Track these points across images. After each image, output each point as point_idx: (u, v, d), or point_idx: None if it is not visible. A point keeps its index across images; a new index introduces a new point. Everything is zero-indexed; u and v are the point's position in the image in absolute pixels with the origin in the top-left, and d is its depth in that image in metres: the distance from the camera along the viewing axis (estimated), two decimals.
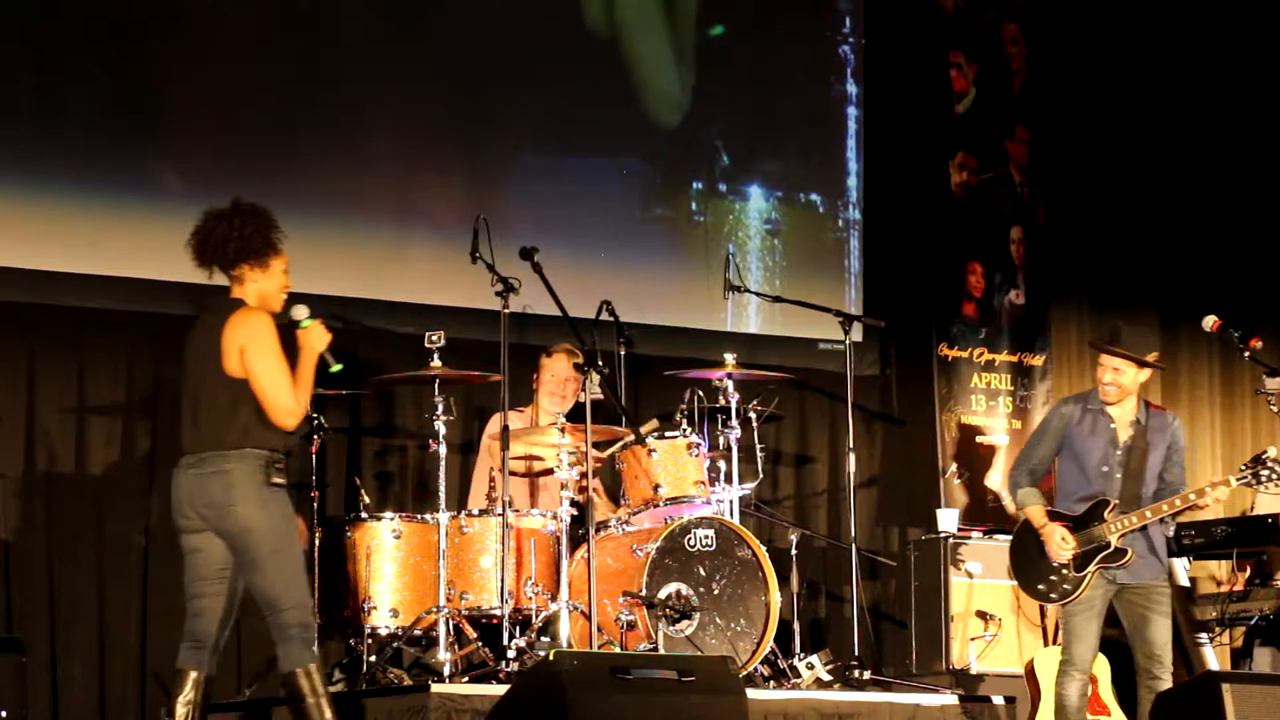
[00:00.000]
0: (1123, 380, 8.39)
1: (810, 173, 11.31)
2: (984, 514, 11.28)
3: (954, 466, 11.38)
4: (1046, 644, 9.58)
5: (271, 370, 7.08)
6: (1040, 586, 8.37)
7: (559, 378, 9.44)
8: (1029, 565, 8.43)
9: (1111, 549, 8.22)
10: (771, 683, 8.87)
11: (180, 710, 7.20)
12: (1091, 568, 8.22)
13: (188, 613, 7.30)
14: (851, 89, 11.42)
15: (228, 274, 7.29)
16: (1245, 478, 8.33)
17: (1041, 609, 9.95)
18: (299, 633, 7.06)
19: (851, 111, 11.40)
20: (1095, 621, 8.25)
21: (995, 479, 11.50)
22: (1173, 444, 8.48)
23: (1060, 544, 8.27)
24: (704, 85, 10.99)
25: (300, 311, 7.31)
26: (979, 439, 11.50)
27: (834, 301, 10.57)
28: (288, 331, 7.28)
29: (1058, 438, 8.51)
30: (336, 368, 7.34)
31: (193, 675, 7.25)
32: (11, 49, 9.40)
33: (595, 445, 8.86)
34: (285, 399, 7.06)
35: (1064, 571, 8.28)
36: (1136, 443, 8.38)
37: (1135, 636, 8.27)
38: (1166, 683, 8.17)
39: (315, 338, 7.26)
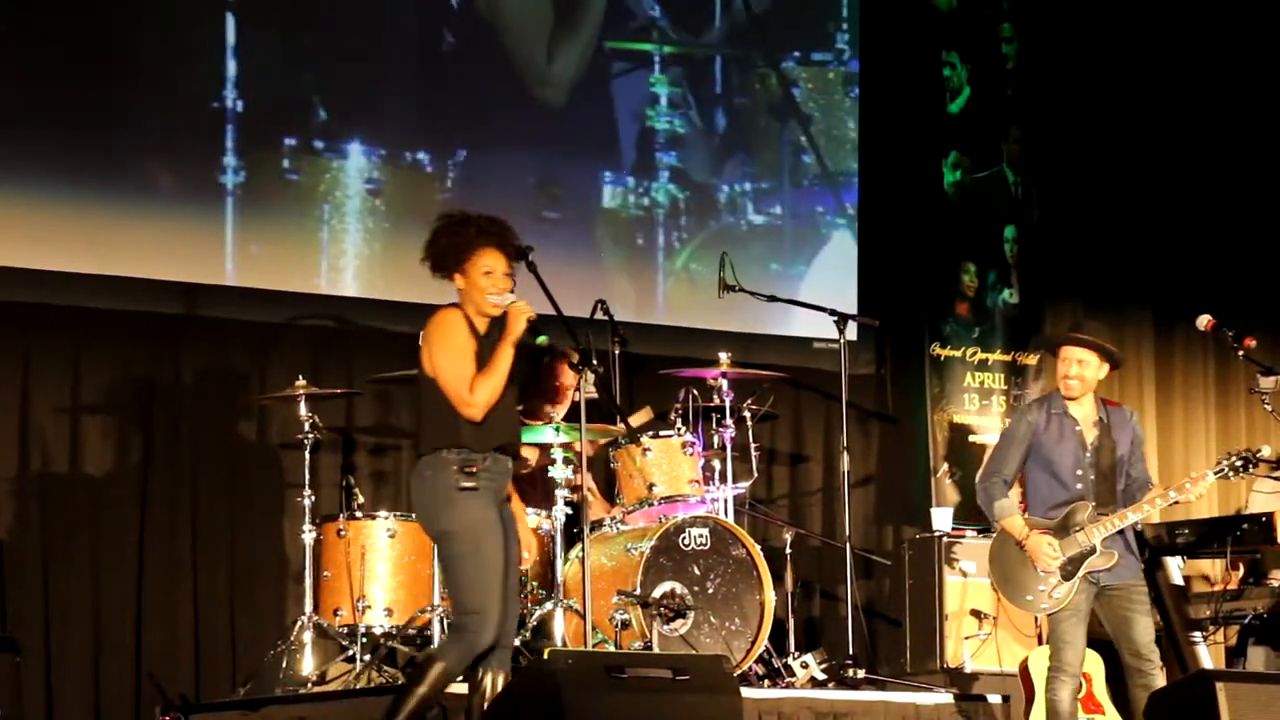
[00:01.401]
0: (1086, 373, 8.32)
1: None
2: (977, 513, 11.27)
3: (945, 466, 11.39)
4: (1040, 643, 9.57)
5: (445, 365, 7.12)
6: (1029, 597, 8.28)
7: (564, 386, 9.43)
8: (1012, 576, 8.32)
9: (1098, 553, 8.19)
10: (766, 682, 8.87)
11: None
12: (1080, 573, 8.18)
13: None
14: None
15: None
16: (1222, 470, 8.32)
17: None
18: (462, 635, 7.02)
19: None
20: (1082, 625, 8.21)
21: None
22: (1134, 438, 8.43)
23: (1048, 553, 8.21)
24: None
25: (505, 299, 7.24)
26: (971, 438, 11.50)
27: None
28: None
29: (1025, 445, 8.40)
30: (540, 340, 7.26)
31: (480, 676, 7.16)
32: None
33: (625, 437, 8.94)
34: (459, 392, 7.07)
35: (1051, 580, 8.23)
36: (1104, 442, 8.32)
37: (1119, 637, 8.24)
38: (1159, 679, 8.14)
39: (513, 320, 7.20)
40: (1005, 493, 8.34)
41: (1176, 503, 8.33)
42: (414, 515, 7.29)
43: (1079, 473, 8.28)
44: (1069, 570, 8.17)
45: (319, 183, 10.02)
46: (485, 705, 7.02)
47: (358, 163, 10.09)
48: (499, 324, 7.22)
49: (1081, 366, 8.31)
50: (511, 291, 7.22)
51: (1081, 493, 8.26)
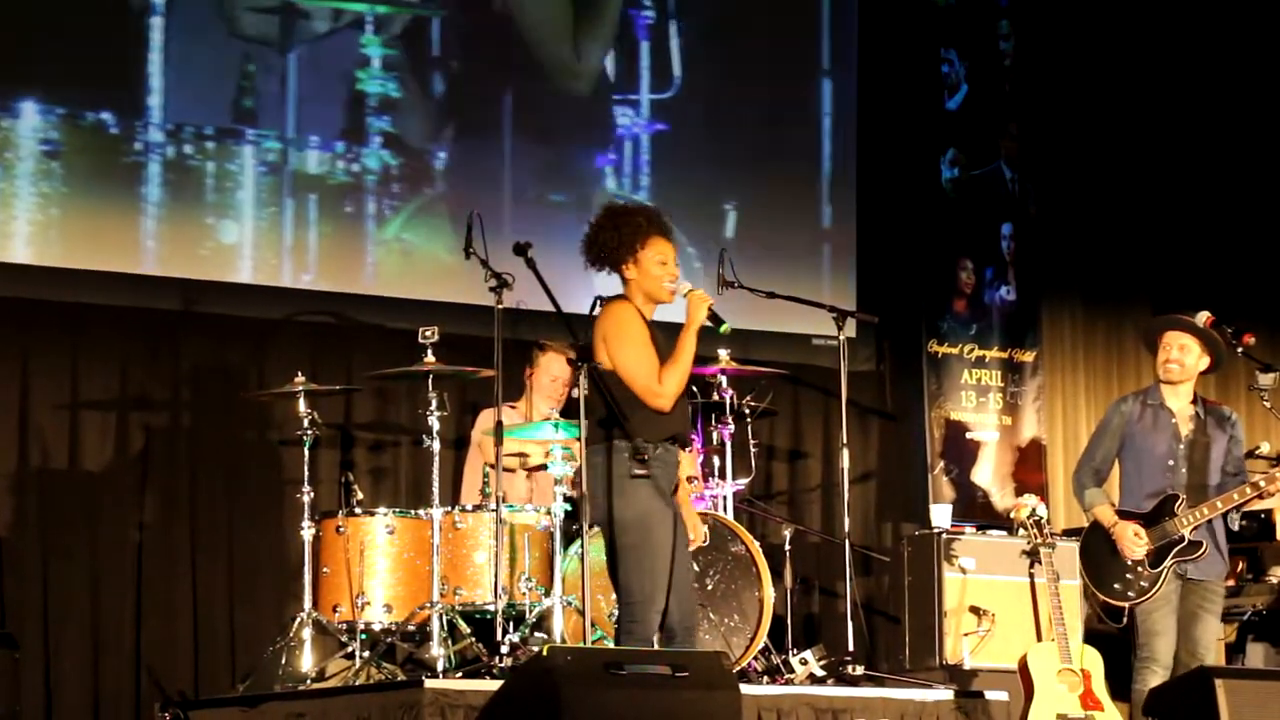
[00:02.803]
0: (1187, 360, 8.41)
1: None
2: (973, 510, 11.30)
3: (942, 463, 11.39)
4: (1039, 639, 9.57)
5: (626, 356, 7.21)
6: (1116, 586, 8.36)
7: (555, 378, 9.42)
8: (1101, 566, 8.42)
9: (1186, 543, 8.25)
10: (765, 678, 8.87)
11: None
12: (1168, 563, 8.23)
13: None
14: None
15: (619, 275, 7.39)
16: None
17: (1034, 603, 9.95)
18: (627, 626, 7.15)
19: (156, 22, 9.76)
20: (1173, 616, 8.27)
21: (983, 475, 11.52)
22: (1233, 437, 8.51)
23: (1134, 540, 8.28)
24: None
25: (682, 287, 7.34)
26: (968, 435, 11.51)
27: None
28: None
29: (1118, 436, 8.50)
30: (725, 328, 7.33)
31: None
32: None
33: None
34: (646, 381, 7.16)
35: (1139, 569, 8.28)
36: (1198, 436, 8.40)
37: (1180, 631, 8.29)
38: None
39: (694, 308, 7.30)
40: (1095, 482, 8.48)
41: (1264, 494, 8.37)
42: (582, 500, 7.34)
43: (1170, 464, 8.36)
44: (1157, 560, 8.23)
45: None
46: None
47: (31, 121, 9.51)
48: None
49: (1183, 352, 8.40)
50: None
51: (1172, 484, 8.33)
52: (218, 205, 9.84)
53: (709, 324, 7.33)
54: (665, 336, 7.35)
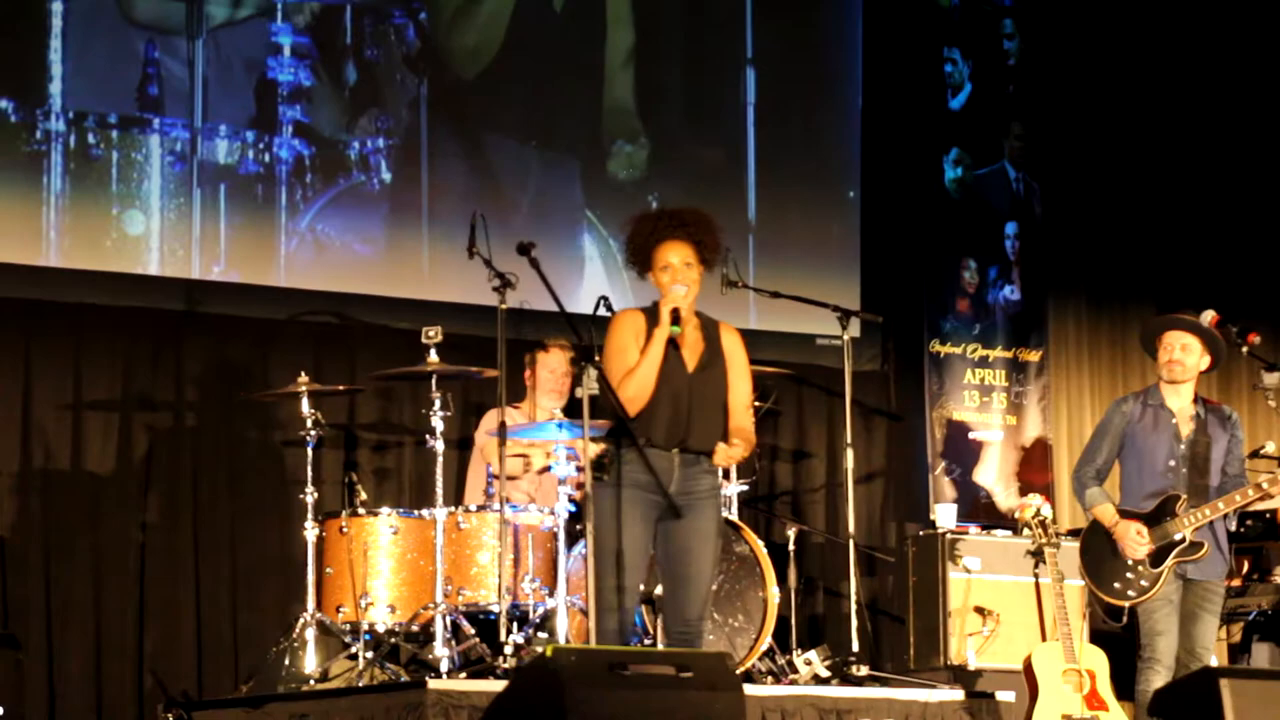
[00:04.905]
0: (1188, 359, 8.40)
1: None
2: (975, 510, 11.29)
3: (943, 463, 11.39)
4: (1044, 639, 9.56)
5: (606, 363, 7.29)
6: (1116, 585, 8.35)
7: (555, 373, 9.42)
8: (1101, 565, 8.41)
9: (1187, 543, 8.25)
10: (769, 678, 8.87)
11: None
12: (1169, 562, 8.23)
13: None
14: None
15: None
16: None
17: (1039, 604, 9.95)
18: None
19: (56, 8, 9.54)
20: (1175, 615, 8.27)
21: (987, 475, 11.50)
22: (1233, 437, 8.50)
23: (1136, 540, 8.29)
24: None
25: (678, 292, 7.32)
26: (970, 435, 11.50)
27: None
28: None
29: (1119, 436, 8.50)
30: (673, 330, 7.27)
31: None
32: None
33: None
34: (616, 386, 7.22)
35: (1140, 568, 8.29)
36: (1199, 436, 8.40)
37: (1180, 631, 8.29)
38: None
39: (664, 310, 7.31)
40: (1096, 482, 8.47)
41: (1267, 496, 8.37)
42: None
43: (1171, 464, 8.35)
44: (1157, 560, 8.22)
45: None
46: None
47: None
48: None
49: (1184, 352, 8.40)
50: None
51: (1173, 484, 8.33)
52: (123, 195, 9.65)
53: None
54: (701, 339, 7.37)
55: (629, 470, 7.26)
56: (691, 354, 7.38)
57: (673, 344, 7.31)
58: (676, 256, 7.34)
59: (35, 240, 9.48)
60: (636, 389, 7.23)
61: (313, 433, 8.81)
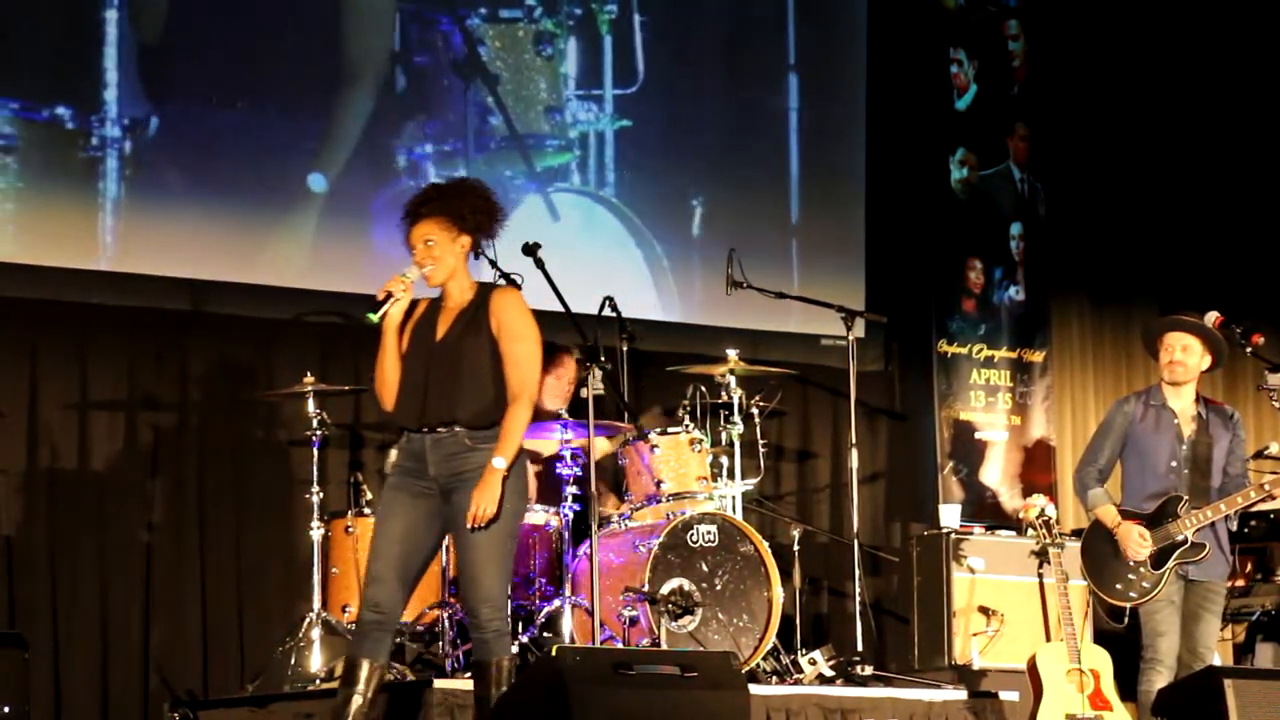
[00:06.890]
0: (1189, 360, 8.41)
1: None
2: (981, 510, 11.30)
3: (951, 463, 11.40)
4: (1048, 639, 9.58)
5: None
6: (1118, 586, 8.36)
7: (561, 379, 9.42)
8: (1103, 566, 8.42)
9: (1189, 544, 8.25)
10: (774, 678, 8.87)
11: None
12: (1170, 564, 8.24)
13: None
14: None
15: None
16: None
17: (1043, 604, 9.96)
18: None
19: (111, 15, 9.55)
20: (1177, 616, 8.28)
21: (992, 475, 11.51)
22: (1235, 437, 8.51)
23: (1138, 541, 8.29)
24: None
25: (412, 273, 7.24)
26: (976, 435, 11.51)
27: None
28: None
29: (1121, 436, 8.50)
30: (368, 317, 7.19)
31: None
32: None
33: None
34: None
35: (1141, 569, 8.29)
36: (1200, 437, 8.40)
37: (1182, 632, 8.30)
38: None
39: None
40: (1098, 483, 8.47)
41: (1270, 497, 8.37)
42: None
43: (1173, 464, 8.36)
44: (1159, 561, 8.23)
45: None
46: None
47: None
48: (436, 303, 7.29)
49: (1186, 353, 8.41)
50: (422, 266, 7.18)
51: (1174, 485, 8.34)
52: None
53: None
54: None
55: (400, 459, 7.16)
56: (442, 330, 7.20)
57: (427, 325, 7.15)
58: (416, 238, 7.20)
59: (92, 245, 9.52)
60: (377, 381, 7.17)
61: (318, 432, 8.82)
